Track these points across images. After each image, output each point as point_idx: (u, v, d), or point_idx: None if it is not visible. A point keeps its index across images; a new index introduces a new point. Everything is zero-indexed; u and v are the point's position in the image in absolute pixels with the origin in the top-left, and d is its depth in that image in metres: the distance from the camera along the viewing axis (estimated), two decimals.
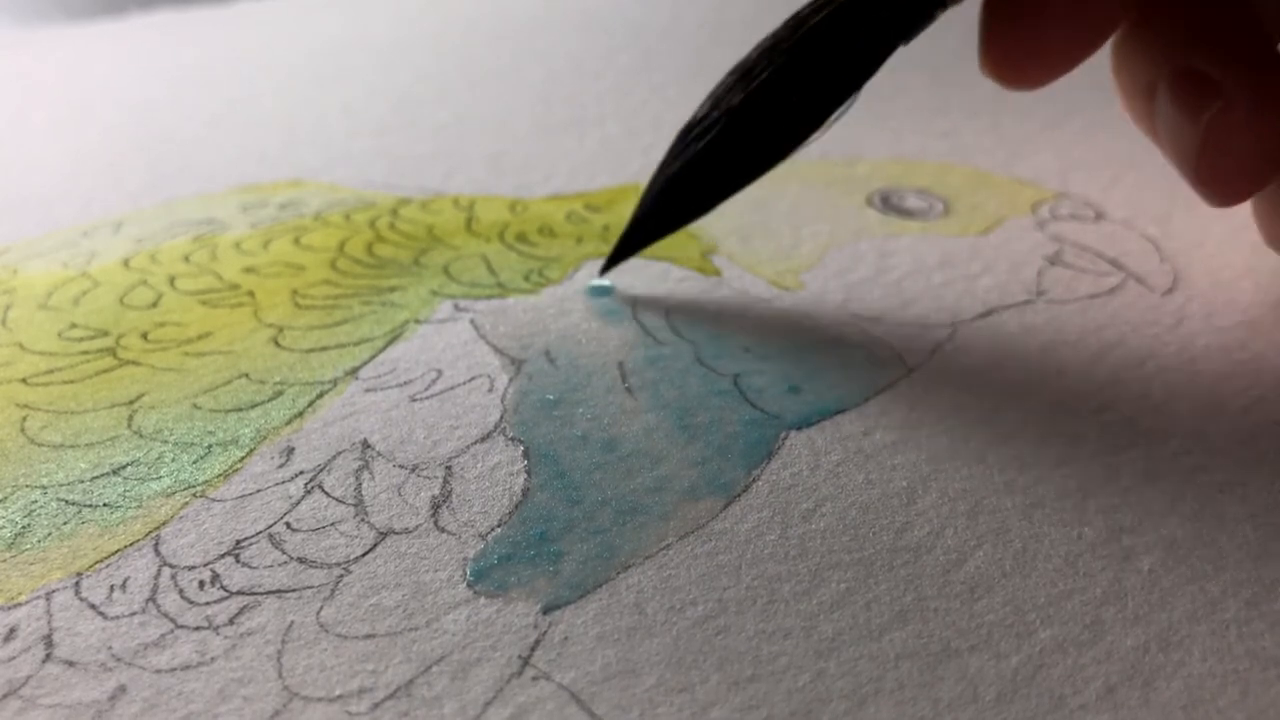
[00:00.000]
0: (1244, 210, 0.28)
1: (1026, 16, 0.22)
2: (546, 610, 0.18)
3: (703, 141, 0.24)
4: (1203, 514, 0.20)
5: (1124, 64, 0.24)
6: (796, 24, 0.23)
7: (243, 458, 0.22)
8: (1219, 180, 0.22)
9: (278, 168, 0.33)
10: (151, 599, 0.19)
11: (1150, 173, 0.31)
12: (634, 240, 0.25)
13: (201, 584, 0.19)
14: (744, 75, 0.24)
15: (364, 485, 0.21)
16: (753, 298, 0.26)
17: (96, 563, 0.19)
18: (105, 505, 0.21)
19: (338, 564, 0.19)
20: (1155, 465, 0.21)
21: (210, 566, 0.19)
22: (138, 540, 0.20)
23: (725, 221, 0.29)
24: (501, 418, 0.22)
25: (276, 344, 0.25)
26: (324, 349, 0.25)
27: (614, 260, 0.26)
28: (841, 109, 0.23)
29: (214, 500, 0.21)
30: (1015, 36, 0.22)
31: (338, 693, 0.17)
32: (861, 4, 0.23)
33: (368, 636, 0.18)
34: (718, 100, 0.24)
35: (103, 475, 0.21)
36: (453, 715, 0.17)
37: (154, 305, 0.26)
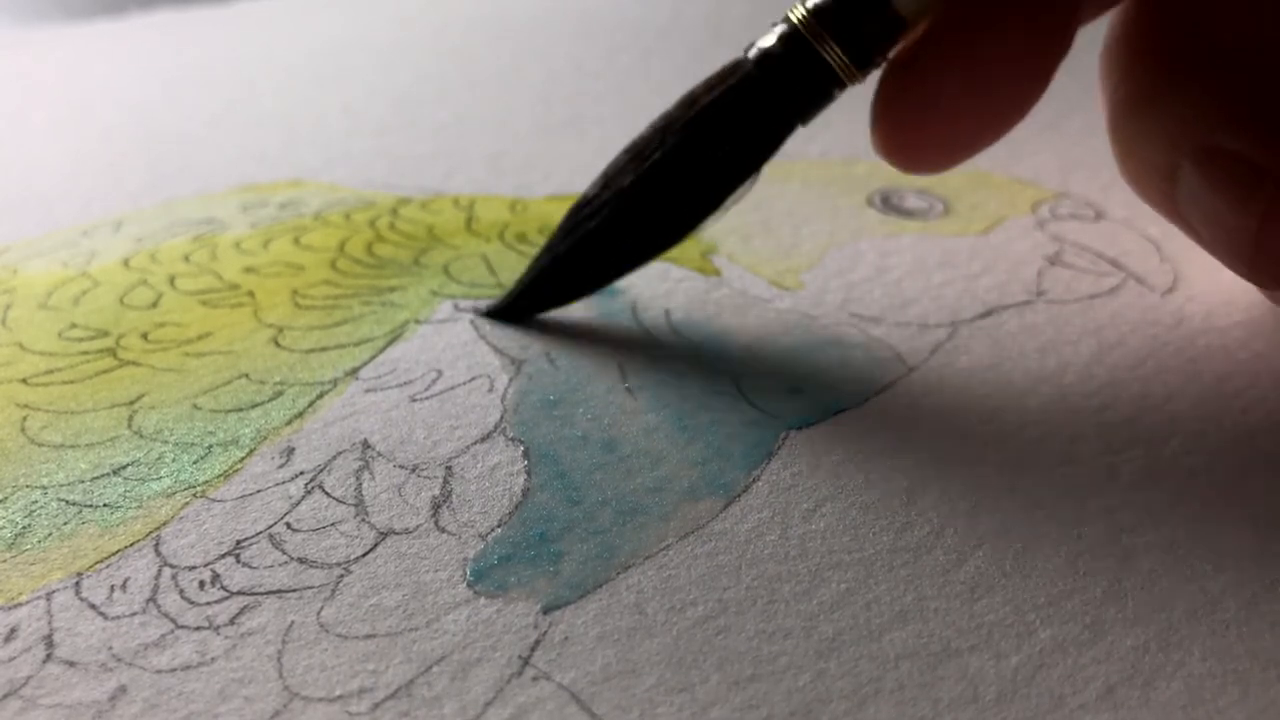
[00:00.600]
0: None
1: (917, 104, 0.20)
2: (546, 610, 0.18)
3: (593, 222, 0.23)
4: (1203, 514, 0.20)
5: (1131, 144, 0.22)
6: (689, 102, 0.23)
7: (243, 458, 0.22)
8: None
9: (278, 167, 0.34)
10: (152, 599, 0.19)
11: None
12: (515, 308, 0.25)
13: (202, 584, 0.19)
14: (636, 155, 0.23)
15: (364, 485, 0.21)
16: (753, 298, 0.26)
17: (97, 563, 0.19)
18: (106, 505, 0.21)
19: (338, 564, 0.19)
20: (1155, 465, 0.21)
21: (211, 566, 0.19)
22: (138, 540, 0.20)
23: (725, 221, 0.29)
24: (502, 418, 0.22)
25: (276, 344, 0.25)
26: (324, 349, 0.25)
27: (492, 315, 0.25)
28: (740, 190, 0.23)
29: (214, 500, 0.21)
30: (907, 121, 0.21)
31: (338, 693, 0.17)
32: (755, 85, 0.22)
33: (368, 636, 0.18)
34: (609, 179, 0.23)
35: (103, 475, 0.21)
36: (453, 715, 0.17)
37: (154, 305, 0.26)
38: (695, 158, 0.22)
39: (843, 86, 0.22)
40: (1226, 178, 0.20)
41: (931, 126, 0.21)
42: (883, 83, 0.21)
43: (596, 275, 0.24)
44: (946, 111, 0.20)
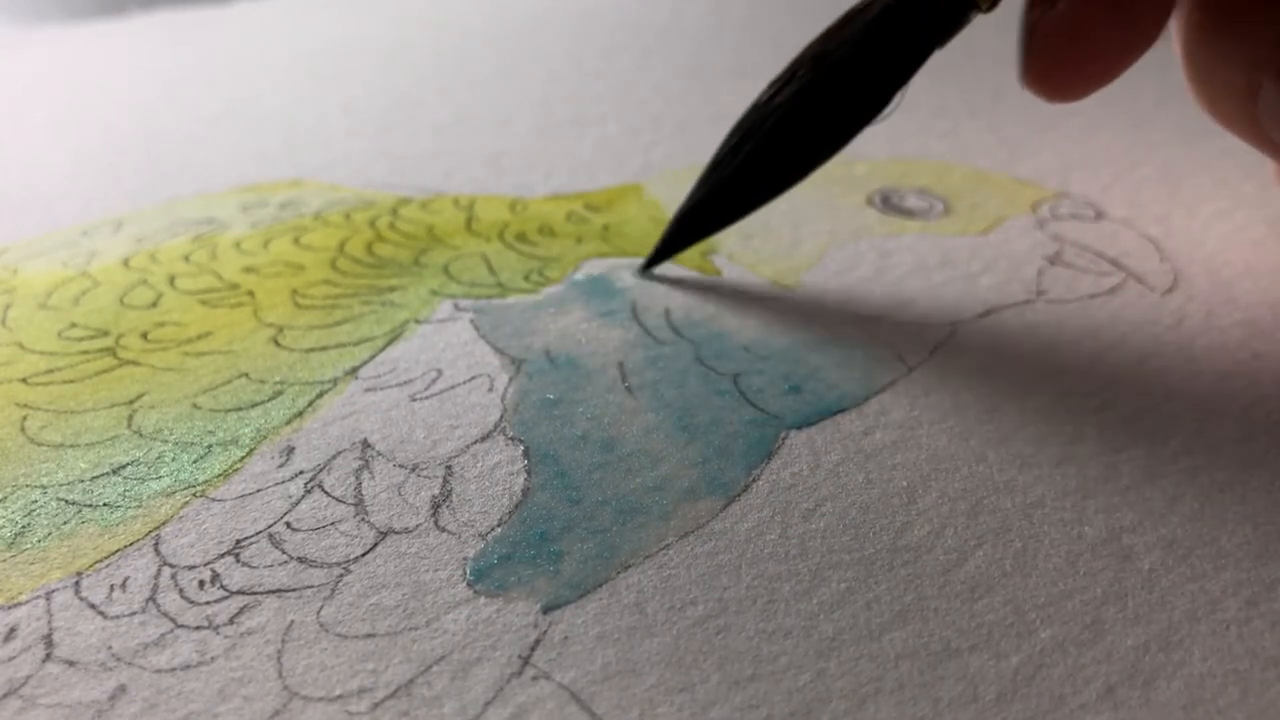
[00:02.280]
0: (1244, 211, 0.28)
1: (1068, 29, 0.22)
2: (546, 610, 0.18)
3: (753, 140, 0.24)
4: (1203, 514, 0.20)
5: (1208, 67, 0.23)
6: (829, 35, 0.24)
7: (243, 457, 0.22)
8: None
9: (278, 167, 0.34)
10: (151, 598, 0.19)
11: (1150, 172, 0.31)
12: (681, 237, 0.26)
13: (201, 583, 0.19)
14: (784, 83, 0.24)
15: (364, 485, 0.21)
16: (753, 297, 0.26)
17: (96, 562, 0.19)
18: (105, 505, 0.21)
19: (338, 563, 0.19)
20: (1155, 465, 0.21)
21: (210, 566, 0.19)
22: (138, 540, 0.20)
23: None
24: (501, 417, 0.22)
25: (276, 344, 0.25)
26: (324, 349, 0.25)
27: (659, 257, 0.26)
28: (881, 114, 0.24)
29: (214, 500, 0.21)
30: (1059, 49, 0.22)
31: (338, 692, 0.17)
32: (896, 11, 0.23)
33: (368, 636, 0.18)
34: (765, 101, 0.25)
35: (103, 475, 0.21)
36: (453, 715, 0.17)
37: (154, 305, 0.26)
38: (840, 84, 0.23)
39: (979, 9, 0.23)
40: None
41: (1083, 51, 0.22)
42: (1035, 20, 0.22)
43: (760, 191, 0.25)
44: (1096, 33, 0.22)
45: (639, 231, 0.29)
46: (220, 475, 0.21)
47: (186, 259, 0.28)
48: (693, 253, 0.28)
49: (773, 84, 0.25)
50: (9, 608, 0.19)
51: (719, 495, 0.21)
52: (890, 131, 0.34)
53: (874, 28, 0.23)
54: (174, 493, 0.21)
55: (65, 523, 0.20)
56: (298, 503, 0.20)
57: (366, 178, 0.33)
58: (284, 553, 0.19)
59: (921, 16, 0.23)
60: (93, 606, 0.19)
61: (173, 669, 0.18)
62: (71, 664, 0.18)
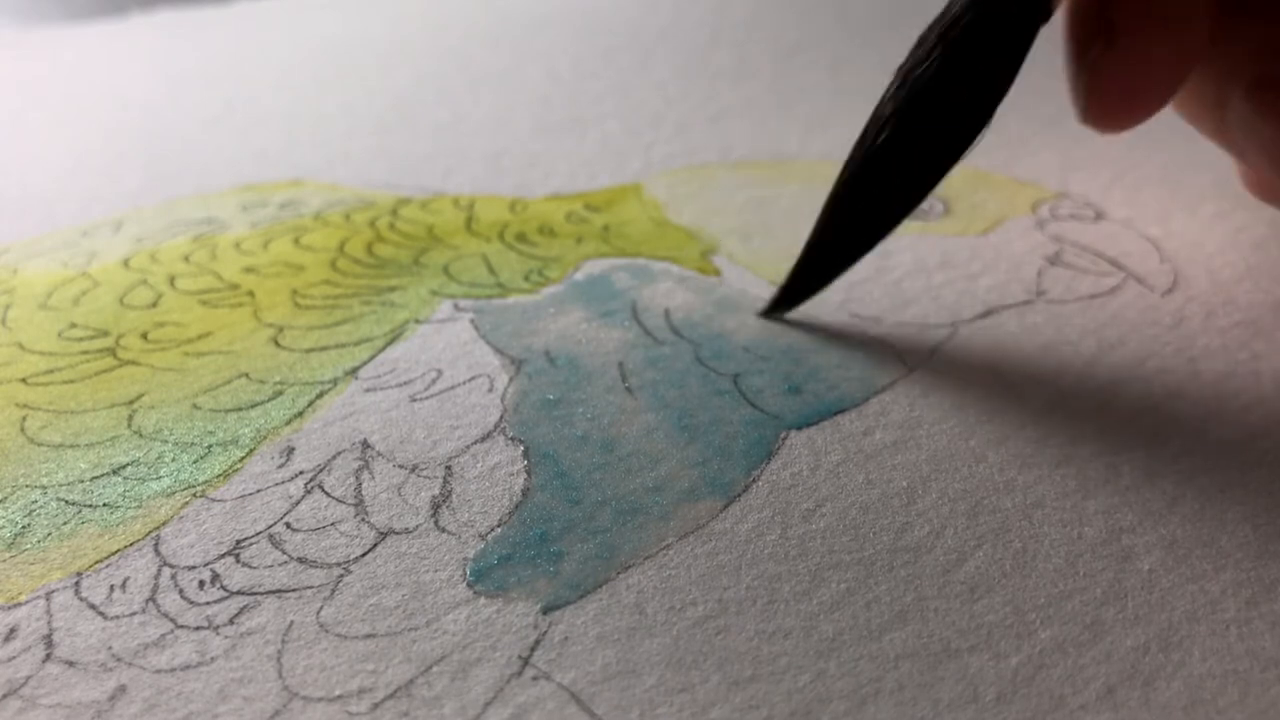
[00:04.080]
0: (1244, 211, 0.28)
1: (1133, 65, 0.22)
2: (546, 610, 0.18)
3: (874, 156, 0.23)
4: (1203, 514, 0.20)
5: (1191, 84, 0.24)
6: (930, 40, 0.23)
7: (243, 458, 0.22)
8: None
9: (278, 167, 0.34)
10: (151, 599, 0.19)
11: (1150, 173, 0.31)
12: (807, 280, 0.25)
13: (201, 584, 0.19)
14: (894, 94, 0.23)
15: (364, 485, 0.21)
16: (753, 297, 0.26)
17: (96, 562, 0.19)
18: (105, 505, 0.21)
19: (338, 564, 0.19)
20: (1155, 465, 0.21)
21: (210, 566, 0.19)
22: (138, 540, 0.20)
23: (726, 221, 0.29)
24: (501, 417, 0.22)
25: (276, 344, 0.25)
26: (324, 349, 0.25)
27: (790, 301, 0.25)
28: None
29: (214, 500, 0.21)
30: (1123, 85, 0.22)
31: (338, 693, 0.17)
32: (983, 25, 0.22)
33: (368, 636, 0.18)
34: (876, 118, 0.23)
35: (103, 475, 0.21)
36: (453, 715, 0.17)
37: (154, 305, 0.26)
38: (957, 77, 0.23)
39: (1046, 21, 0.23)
40: (1274, 102, 0.22)
41: (1146, 89, 0.23)
42: (1097, 57, 0.23)
43: (881, 220, 0.24)
44: (1159, 73, 0.22)
45: (639, 232, 0.29)
46: (220, 475, 0.21)
47: (186, 259, 0.28)
48: (693, 253, 0.28)
49: (873, 120, 0.23)
50: (9, 608, 0.19)
51: (719, 496, 0.21)
52: None
53: (960, 46, 0.22)
54: (174, 493, 0.21)
55: (65, 523, 0.20)
56: (298, 503, 0.20)
57: (366, 178, 0.33)
58: (284, 553, 0.19)
59: (1003, 30, 0.22)
60: (93, 607, 0.19)
61: (173, 669, 0.18)
62: (71, 664, 0.18)
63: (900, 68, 0.23)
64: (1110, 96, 0.23)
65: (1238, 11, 0.23)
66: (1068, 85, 0.23)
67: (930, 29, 0.23)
